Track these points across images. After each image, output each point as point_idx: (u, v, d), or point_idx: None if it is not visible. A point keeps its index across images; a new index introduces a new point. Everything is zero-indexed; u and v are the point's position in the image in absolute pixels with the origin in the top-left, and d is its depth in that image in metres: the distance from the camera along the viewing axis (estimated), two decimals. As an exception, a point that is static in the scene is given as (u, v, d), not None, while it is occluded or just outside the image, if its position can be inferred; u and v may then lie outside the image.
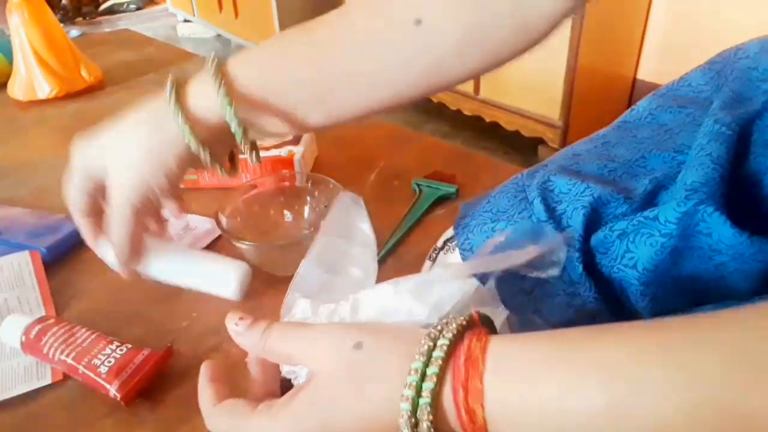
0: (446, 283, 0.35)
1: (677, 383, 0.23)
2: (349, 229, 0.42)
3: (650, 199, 0.37)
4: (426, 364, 0.28)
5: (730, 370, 0.22)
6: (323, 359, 0.31)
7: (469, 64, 0.40)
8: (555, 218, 0.38)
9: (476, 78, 0.44)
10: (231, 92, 0.41)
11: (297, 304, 0.37)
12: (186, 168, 0.45)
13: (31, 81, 1.04)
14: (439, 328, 0.29)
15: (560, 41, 1.70)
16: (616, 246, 0.35)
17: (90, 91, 1.08)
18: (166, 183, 0.44)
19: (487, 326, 0.31)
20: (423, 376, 0.27)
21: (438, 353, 0.28)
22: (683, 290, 0.33)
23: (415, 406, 0.27)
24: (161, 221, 0.51)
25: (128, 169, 0.44)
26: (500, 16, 0.38)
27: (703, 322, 0.25)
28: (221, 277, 0.50)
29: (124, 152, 0.44)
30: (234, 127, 0.41)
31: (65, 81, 1.05)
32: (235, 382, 0.36)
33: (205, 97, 0.41)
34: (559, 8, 0.37)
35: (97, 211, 0.49)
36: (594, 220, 0.37)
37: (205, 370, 0.36)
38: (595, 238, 0.36)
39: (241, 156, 0.46)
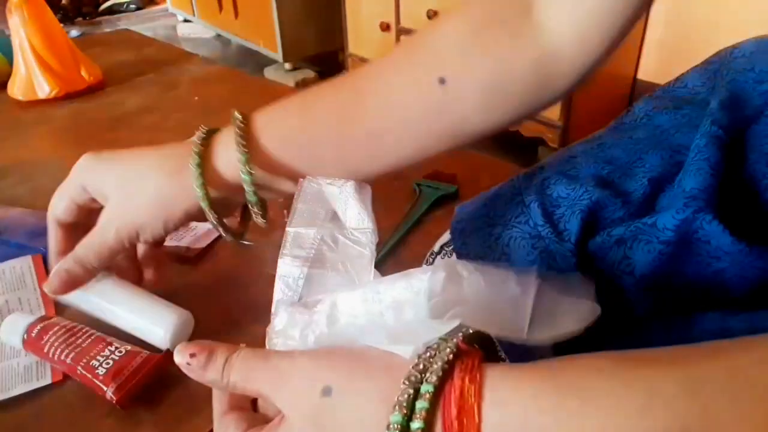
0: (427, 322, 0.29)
1: None
2: (327, 214, 0.37)
3: (648, 203, 0.36)
4: (408, 417, 0.24)
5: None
6: (291, 403, 0.27)
7: (492, 120, 0.40)
8: (552, 223, 0.38)
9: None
10: (253, 157, 0.40)
11: (278, 315, 0.34)
12: (185, 223, 0.45)
13: (31, 81, 1.04)
14: (420, 366, 0.25)
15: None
16: (613, 252, 0.35)
17: (90, 91, 1.08)
18: (161, 234, 0.44)
19: (479, 341, 0.28)
20: (406, 431, 0.24)
21: (422, 404, 0.24)
22: (681, 296, 0.33)
23: None
24: (132, 265, 0.51)
25: (132, 207, 0.43)
26: (522, 75, 0.38)
27: (748, 372, 0.22)
28: (152, 322, 0.48)
29: (133, 189, 0.43)
30: (250, 195, 0.42)
31: (65, 81, 1.05)
32: None
33: (227, 157, 0.41)
34: (579, 66, 0.37)
35: (72, 226, 0.47)
36: (591, 224, 0.37)
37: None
38: (593, 244, 0.36)
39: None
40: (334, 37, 2.63)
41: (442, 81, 0.38)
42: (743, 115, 0.36)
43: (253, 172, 0.40)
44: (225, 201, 0.43)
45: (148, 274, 0.51)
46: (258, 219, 0.44)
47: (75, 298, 0.51)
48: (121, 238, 0.44)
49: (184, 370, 0.31)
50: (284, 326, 0.33)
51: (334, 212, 0.35)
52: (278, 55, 2.77)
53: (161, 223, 0.43)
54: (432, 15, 2.04)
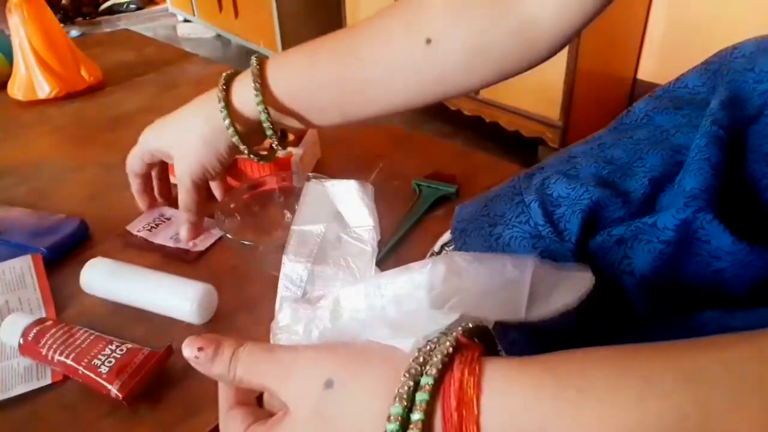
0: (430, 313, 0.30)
1: None
2: (330, 214, 0.38)
3: (649, 203, 0.36)
4: (408, 409, 0.24)
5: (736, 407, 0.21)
6: (295, 396, 0.28)
7: (474, 78, 0.45)
8: (552, 222, 0.38)
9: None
10: (265, 98, 0.50)
11: (283, 311, 0.34)
12: (234, 154, 0.56)
13: (31, 81, 1.04)
14: (420, 359, 0.25)
15: (560, 41, 1.70)
16: (613, 251, 0.35)
17: (90, 91, 1.08)
18: (219, 165, 0.56)
19: (480, 336, 0.28)
20: (406, 422, 0.24)
21: (422, 396, 0.24)
22: (681, 296, 0.33)
23: None
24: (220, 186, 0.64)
25: (188, 152, 0.56)
26: (505, 36, 0.42)
27: (744, 365, 0.23)
28: (180, 298, 0.51)
29: (185, 141, 0.56)
30: (266, 125, 0.51)
31: (65, 81, 1.05)
32: None
33: (245, 98, 0.51)
34: (559, 34, 0.41)
35: (147, 174, 0.65)
36: (592, 224, 0.37)
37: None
38: (593, 243, 0.36)
39: (273, 145, 0.57)
40: (334, 37, 2.63)
41: (428, 41, 0.44)
42: (743, 115, 0.36)
43: (267, 109, 0.50)
44: (252, 133, 0.53)
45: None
46: (278, 150, 0.56)
47: (100, 288, 0.55)
48: (195, 182, 0.57)
49: (192, 364, 0.31)
50: (288, 322, 0.33)
51: (337, 211, 0.36)
52: (278, 55, 2.76)
53: (215, 160, 0.55)
54: (432, 15, 2.05)
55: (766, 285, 0.30)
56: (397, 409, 0.24)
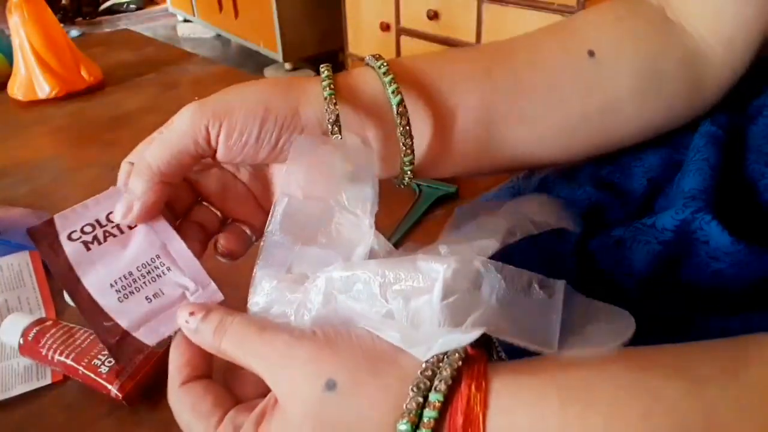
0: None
1: None
2: (322, 177, 0.32)
3: (648, 203, 0.36)
4: (416, 425, 0.23)
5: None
6: (289, 392, 0.26)
7: (645, 111, 0.37)
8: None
9: (649, 137, 0.39)
10: (398, 77, 0.33)
11: (261, 287, 0.30)
12: (283, 134, 0.32)
13: (31, 81, 1.04)
14: (428, 372, 0.24)
15: (560, 41, 1.70)
16: (613, 252, 0.35)
17: (90, 91, 1.08)
18: (255, 131, 0.32)
19: (486, 345, 0.27)
20: None
21: (430, 413, 0.23)
22: (680, 297, 0.33)
23: None
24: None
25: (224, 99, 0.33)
26: (676, 64, 0.36)
27: (749, 372, 0.22)
28: None
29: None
30: (395, 102, 0.33)
31: (65, 81, 1.05)
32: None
33: (366, 80, 0.34)
34: (728, 71, 0.37)
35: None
36: (591, 224, 0.37)
37: (180, 334, 0.30)
38: (593, 244, 0.36)
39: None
40: (334, 37, 2.63)
41: (591, 53, 0.36)
42: (742, 115, 0.36)
43: (399, 90, 0.33)
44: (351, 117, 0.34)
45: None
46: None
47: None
48: (197, 124, 0.31)
49: (183, 330, 0.29)
50: (269, 302, 0.30)
51: (331, 174, 0.31)
52: (278, 55, 2.77)
53: (257, 115, 0.31)
54: (432, 15, 2.04)
55: (765, 285, 0.30)
56: (404, 425, 0.23)
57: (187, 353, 0.30)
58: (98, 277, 0.31)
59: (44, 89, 1.04)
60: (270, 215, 0.31)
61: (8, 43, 1.07)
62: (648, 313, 0.34)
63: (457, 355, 0.24)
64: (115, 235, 0.33)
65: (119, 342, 0.30)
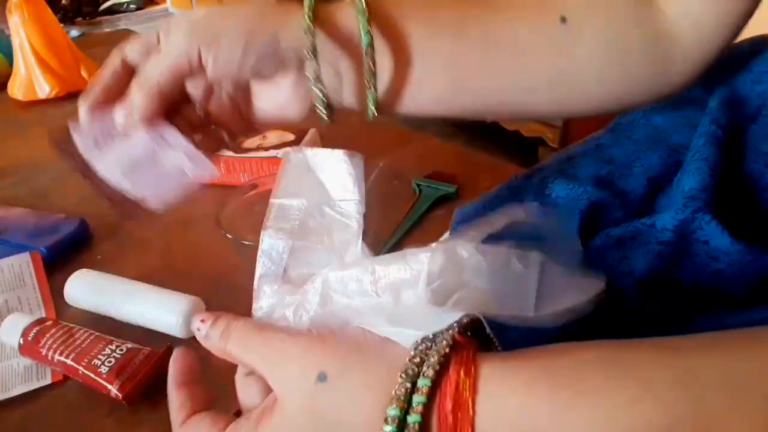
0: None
1: None
2: (312, 186, 0.34)
3: (647, 203, 0.36)
4: (405, 411, 0.24)
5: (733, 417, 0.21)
6: (285, 387, 0.27)
7: (607, 81, 0.37)
8: (551, 225, 0.38)
9: (612, 110, 0.41)
10: (373, 17, 0.35)
11: (263, 292, 0.32)
12: (267, 63, 0.36)
13: (31, 81, 1.04)
14: (417, 359, 0.25)
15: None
16: (612, 252, 0.35)
17: (90, 91, 1.08)
18: (237, 57, 0.35)
19: (472, 329, 0.27)
20: (402, 425, 0.24)
21: (419, 398, 0.24)
22: (679, 296, 0.33)
23: None
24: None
25: (210, 24, 0.36)
26: (644, 41, 0.36)
27: (741, 366, 0.23)
28: (166, 312, 0.50)
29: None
30: (365, 42, 0.35)
31: (65, 81, 1.05)
32: (207, 379, 0.32)
33: (346, 15, 0.36)
34: (696, 55, 0.36)
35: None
36: (590, 224, 0.37)
37: (173, 370, 0.32)
38: (592, 244, 0.36)
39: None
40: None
41: (563, 19, 0.37)
42: (742, 115, 0.36)
43: (371, 30, 0.35)
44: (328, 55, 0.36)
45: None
46: (321, 106, 0.37)
47: (85, 300, 0.53)
48: (181, 54, 0.35)
49: (196, 336, 0.31)
50: (271, 307, 0.32)
51: (321, 183, 0.34)
52: (278, 55, 2.76)
53: (239, 44, 0.35)
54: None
55: (765, 285, 0.30)
56: (394, 411, 0.24)
57: (182, 394, 0.32)
58: (105, 164, 0.40)
59: (44, 89, 1.04)
60: (265, 218, 0.33)
61: (8, 43, 1.07)
62: (648, 313, 0.34)
63: (444, 342, 0.25)
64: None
65: (126, 199, 0.39)
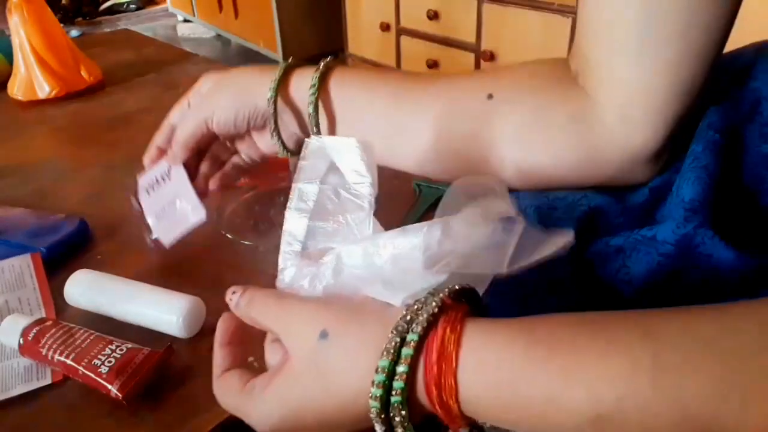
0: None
1: (666, 400, 0.23)
2: (330, 170, 0.39)
3: (648, 209, 0.36)
4: (394, 362, 0.27)
5: (724, 388, 0.22)
6: (294, 343, 0.31)
7: (529, 152, 0.40)
8: (548, 227, 0.38)
9: (539, 184, 0.42)
10: (320, 96, 0.47)
11: (287, 269, 0.37)
12: (250, 123, 0.51)
13: (31, 81, 1.04)
14: (407, 317, 0.28)
15: (561, 40, 1.70)
16: (612, 260, 0.35)
17: (90, 91, 1.08)
18: (231, 120, 0.51)
19: (467, 298, 0.30)
20: (392, 374, 0.27)
21: (407, 351, 0.27)
22: (679, 305, 0.33)
23: (384, 403, 0.27)
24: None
25: (213, 97, 0.52)
26: (564, 116, 0.38)
27: (700, 327, 0.24)
28: (165, 312, 0.50)
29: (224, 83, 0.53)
30: (311, 120, 0.48)
31: (65, 81, 1.05)
32: (249, 339, 0.37)
33: (299, 88, 0.49)
34: (624, 136, 0.36)
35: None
36: (589, 229, 0.37)
37: (219, 331, 0.37)
38: (591, 251, 0.36)
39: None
40: (334, 38, 2.63)
41: (490, 96, 0.41)
42: (737, 113, 0.36)
43: (318, 104, 0.47)
44: (286, 119, 0.51)
45: (213, 183, 0.58)
46: (281, 151, 0.52)
47: (85, 300, 0.53)
48: (198, 122, 0.52)
49: (229, 305, 0.36)
50: (292, 279, 0.36)
51: (337, 167, 0.37)
52: (278, 55, 2.77)
53: (232, 112, 0.50)
54: (432, 15, 2.04)
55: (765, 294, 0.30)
56: (384, 362, 0.27)
57: (222, 352, 0.37)
58: (147, 203, 0.58)
59: (44, 89, 1.04)
60: (289, 200, 0.38)
61: (8, 43, 1.07)
62: None
63: (434, 303, 0.28)
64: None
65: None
